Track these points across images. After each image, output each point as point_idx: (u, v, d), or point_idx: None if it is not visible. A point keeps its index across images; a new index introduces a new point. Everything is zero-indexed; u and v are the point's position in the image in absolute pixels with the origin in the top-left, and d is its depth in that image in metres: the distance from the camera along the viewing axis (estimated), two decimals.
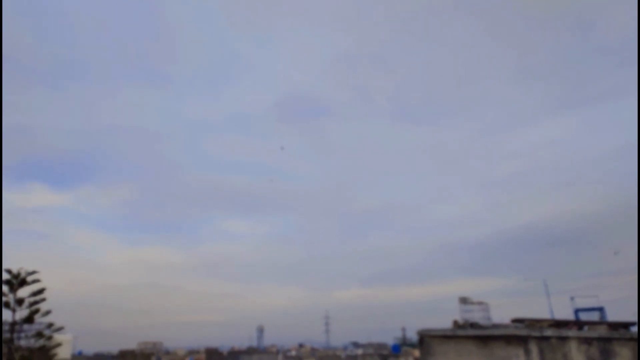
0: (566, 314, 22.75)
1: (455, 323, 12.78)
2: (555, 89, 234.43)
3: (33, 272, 33.54)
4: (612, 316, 19.25)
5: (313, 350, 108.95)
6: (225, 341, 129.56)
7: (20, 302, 32.77)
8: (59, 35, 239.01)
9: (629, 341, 11.25)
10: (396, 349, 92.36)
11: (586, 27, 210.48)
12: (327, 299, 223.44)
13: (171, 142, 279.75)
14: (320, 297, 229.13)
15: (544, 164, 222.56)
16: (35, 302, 33.26)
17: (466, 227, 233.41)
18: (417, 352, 50.00)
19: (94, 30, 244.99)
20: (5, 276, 32.61)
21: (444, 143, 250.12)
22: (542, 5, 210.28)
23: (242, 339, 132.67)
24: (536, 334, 10.61)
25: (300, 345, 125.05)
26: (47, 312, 33.60)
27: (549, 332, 10.78)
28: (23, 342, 33.08)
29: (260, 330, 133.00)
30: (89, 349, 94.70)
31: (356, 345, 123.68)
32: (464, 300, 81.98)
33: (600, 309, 20.75)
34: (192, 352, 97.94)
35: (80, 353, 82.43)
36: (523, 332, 10.68)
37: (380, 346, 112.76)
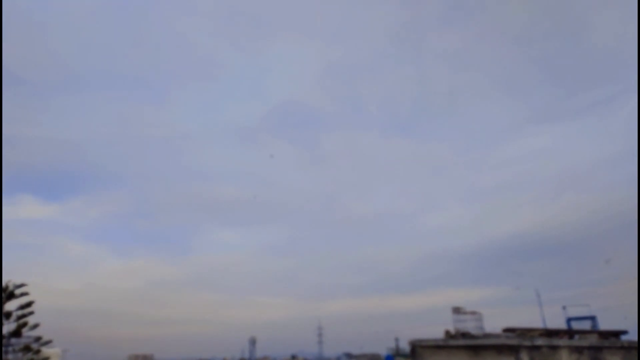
0: (559, 323, 22.88)
1: (447, 333, 12.82)
2: (542, 99, 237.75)
3: (21, 285, 33.11)
4: (604, 325, 19.43)
5: None
6: (217, 353, 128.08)
7: (7, 315, 32.26)
8: (47, 46, 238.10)
9: (620, 349, 11.35)
10: (389, 359, 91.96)
11: (574, 35, 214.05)
12: (319, 309, 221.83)
13: (162, 152, 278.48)
14: (313, 308, 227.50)
15: (533, 174, 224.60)
16: (23, 315, 32.75)
17: (457, 236, 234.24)
18: None
19: (83, 42, 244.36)
20: None
21: (433, 153, 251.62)
22: (529, 16, 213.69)
23: (234, 351, 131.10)
24: (527, 343, 10.66)
25: (293, 357, 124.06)
26: (35, 326, 33.02)
27: (540, 342, 10.84)
28: (10, 357, 32.53)
29: (253, 342, 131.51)
30: None
31: (349, 355, 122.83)
32: (456, 310, 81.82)
33: (592, 318, 20.92)
34: None
35: None
36: (514, 341, 10.73)
37: (373, 356, 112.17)
